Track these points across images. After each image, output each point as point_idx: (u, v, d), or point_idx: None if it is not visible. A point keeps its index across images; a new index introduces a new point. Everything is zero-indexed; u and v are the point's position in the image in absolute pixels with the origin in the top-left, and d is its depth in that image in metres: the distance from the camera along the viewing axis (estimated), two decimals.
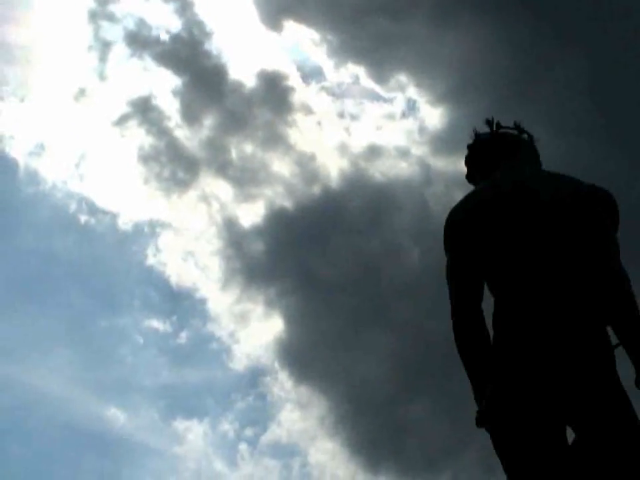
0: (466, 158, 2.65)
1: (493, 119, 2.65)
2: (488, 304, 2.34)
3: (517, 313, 2.22)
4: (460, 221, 2.38)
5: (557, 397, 2.13)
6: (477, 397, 2.23)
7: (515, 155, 2.56)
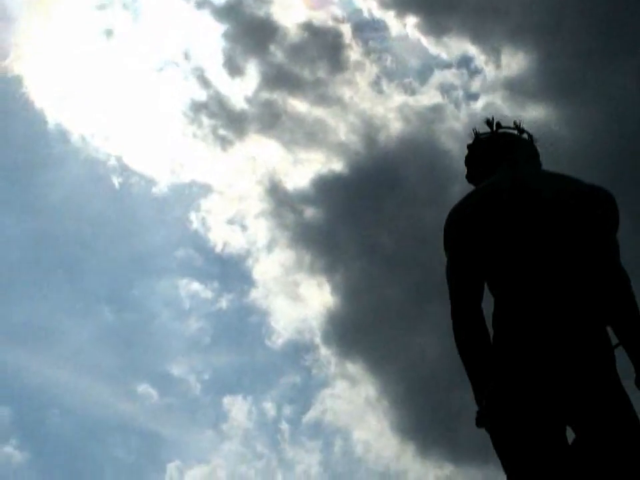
0: (466, 158, 2.65)
1: (493, 118, 2.66)
2: (488, 304, 2.35)
3: (517, 313, 2.22)
4: (460, 220, 2.38)
5: (556, 397, 2.13)
6: (477, 397, 2.24)
7: (515, 155, 2.56)
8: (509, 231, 2.30)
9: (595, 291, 2.24)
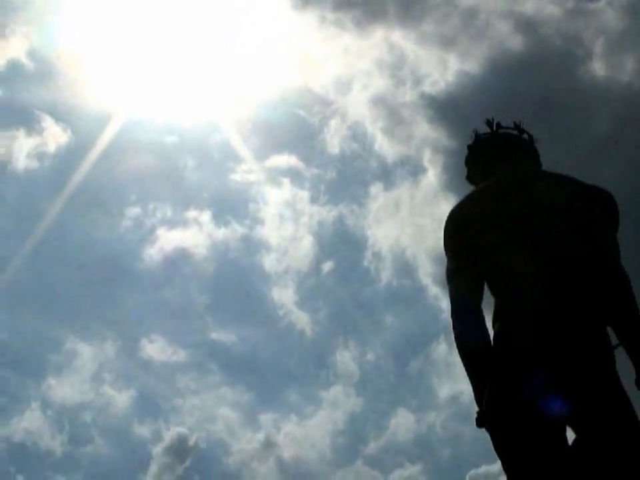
0: (466, 158, 2.66)
1: (493, 119, 2.66)
2: (488, 304, 2.35)
3: (517, 313, 2.23)
4: (460, 221, 2.39)
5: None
6: (477, 397, 2.24)
7: (515, 156, 2.56)
8: (509, 232, 2.31)
9: (595, 291, 2.24)
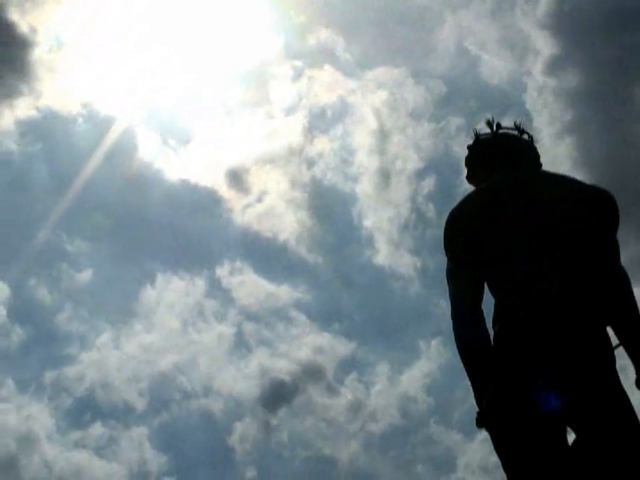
0: (466, 158, 2.65)
1: (493, 119, 2.65)
2: (488, 304, 2.35)
3: (517, 314, 2.22)
4: (460, 222, 2.39)
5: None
6: (478, 397, 2.24)
7: (515, 156, 2.56)
8: (508, 232, 2.31)
9: (595, 292, 2.23)
